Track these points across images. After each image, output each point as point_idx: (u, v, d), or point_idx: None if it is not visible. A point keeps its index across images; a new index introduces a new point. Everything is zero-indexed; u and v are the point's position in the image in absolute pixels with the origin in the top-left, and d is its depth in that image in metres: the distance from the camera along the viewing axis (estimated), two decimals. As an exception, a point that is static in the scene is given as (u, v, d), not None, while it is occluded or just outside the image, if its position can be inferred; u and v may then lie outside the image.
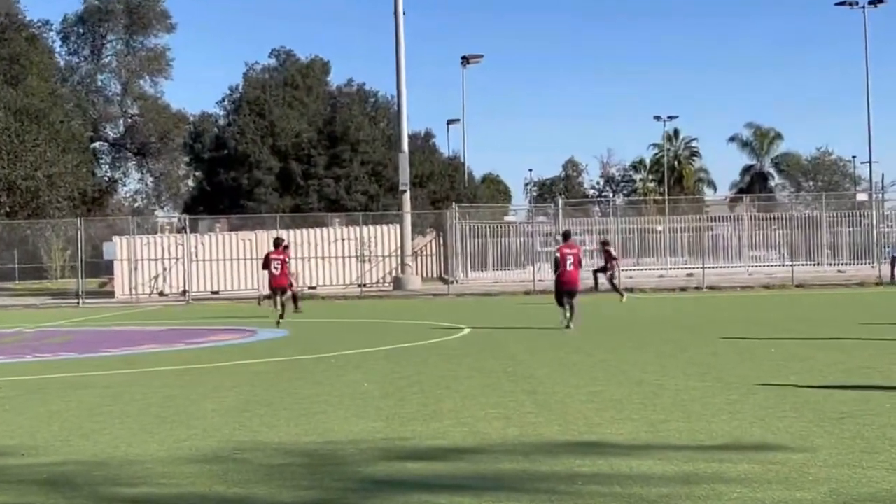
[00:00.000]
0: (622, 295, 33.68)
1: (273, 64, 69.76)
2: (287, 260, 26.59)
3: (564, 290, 22.77)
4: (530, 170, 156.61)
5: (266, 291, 27.82)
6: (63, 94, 61.53)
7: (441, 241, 57.32)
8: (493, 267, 51.47)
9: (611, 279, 34.86)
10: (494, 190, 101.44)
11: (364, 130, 65.71)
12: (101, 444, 9.40)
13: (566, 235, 24.79)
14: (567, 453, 8.46)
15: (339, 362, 16.36)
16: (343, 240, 48.70)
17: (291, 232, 48.77)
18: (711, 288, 42.05)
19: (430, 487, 7.30)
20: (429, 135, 75.71)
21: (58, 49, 66.26)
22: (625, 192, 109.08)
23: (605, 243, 37.59)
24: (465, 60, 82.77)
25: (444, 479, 7.64)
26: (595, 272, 36.52)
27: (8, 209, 51.67)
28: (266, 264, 26.21)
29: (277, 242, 26.82)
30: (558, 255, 23.30)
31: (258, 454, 8.79)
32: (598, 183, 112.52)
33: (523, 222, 56.26)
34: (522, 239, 51.81)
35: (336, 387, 13.14)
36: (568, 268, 22.78)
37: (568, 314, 22.26)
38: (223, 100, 70.14)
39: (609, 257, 35.59)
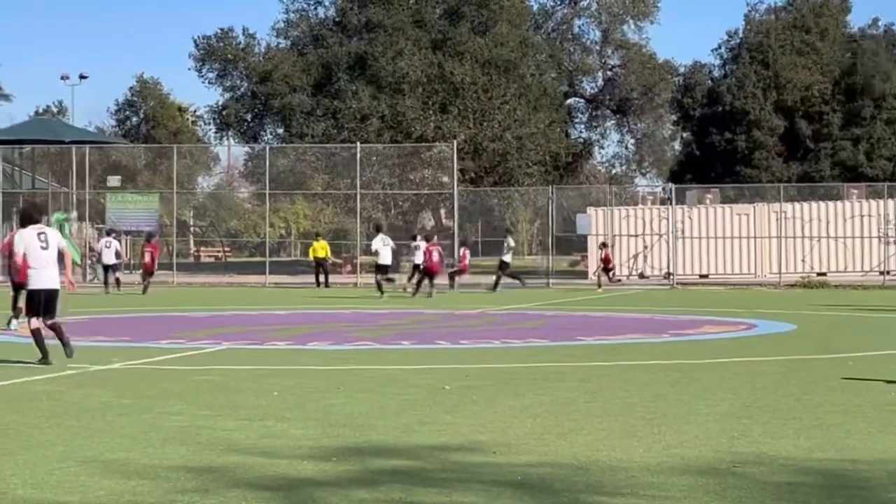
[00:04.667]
0: None
1: (780, 3, 68.89)
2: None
3: None
4: None
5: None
6: (535, 42, 63.64)
7: None
8: None
9: None
10: None
11: (891, 82, 63.54)
12: (579, 446, 9.75)
13: None
14: None
15: (857, 364, 16.00)
16: (861, 216, 47.36)
17: (797, 205, 48.07)
18: None
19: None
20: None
21: (532, -10, 68.52)
22: None
23: None
24: None
25: None
26: None
27: (472, 175, 54.15)
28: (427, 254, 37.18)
29: (429, 237, 39.17)
30: None
31: (762, 469, 8.81)
32: None
33: None
34: None
35: (857, 394, 12.89)
36: None
37: None
38: (719, 47, 70.46)
39: None
